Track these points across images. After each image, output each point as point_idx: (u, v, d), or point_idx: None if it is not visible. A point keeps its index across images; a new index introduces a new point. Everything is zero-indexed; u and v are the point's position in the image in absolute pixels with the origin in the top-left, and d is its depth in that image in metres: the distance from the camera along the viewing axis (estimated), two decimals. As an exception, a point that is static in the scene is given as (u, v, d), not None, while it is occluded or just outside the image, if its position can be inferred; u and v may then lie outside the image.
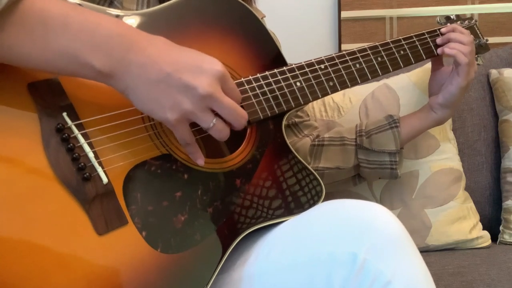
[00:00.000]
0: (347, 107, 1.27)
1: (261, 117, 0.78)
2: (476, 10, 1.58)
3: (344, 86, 0.88)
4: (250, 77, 0.79)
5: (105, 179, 0.65)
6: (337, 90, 0.87)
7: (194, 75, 0.64)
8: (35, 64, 0.63)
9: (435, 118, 1.05)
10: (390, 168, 1.04)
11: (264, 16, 1.01)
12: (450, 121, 1.27)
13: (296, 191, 0.80)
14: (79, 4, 0.70)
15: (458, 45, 0.99)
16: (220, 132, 0.67)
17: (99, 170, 0.65)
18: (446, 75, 1.03)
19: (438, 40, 1.01)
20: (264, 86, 0.79)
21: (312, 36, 1.61)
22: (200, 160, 0.71)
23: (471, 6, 1.58)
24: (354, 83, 0.89)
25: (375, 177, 1.09)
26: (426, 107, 1.05)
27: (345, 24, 1.59)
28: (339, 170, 1.06)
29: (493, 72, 1.36)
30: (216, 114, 0.67)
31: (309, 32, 1.61)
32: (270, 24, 1.05)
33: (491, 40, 1.54)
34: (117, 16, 0.74)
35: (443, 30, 1.02)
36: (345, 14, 1.58)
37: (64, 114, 0.66)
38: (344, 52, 0.89)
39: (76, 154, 0.65)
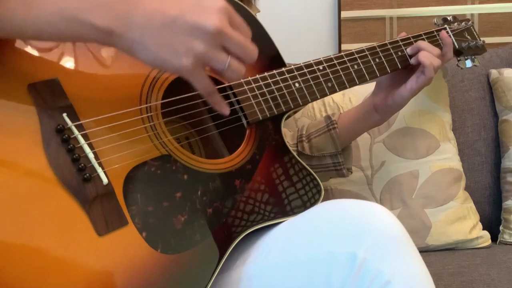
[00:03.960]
0: (347, 107, 1.27)
1: (260, 118, 0.78)
2: (476, 10, 1.58)
3: (342, 87, 0.88)
4: (249, 78, 0.79)
5: (105, 180, 0.66)
6: (335, 91, 0.87)
7: (199, 14, 0.61)
8: (33, 31, 0.61)
9: (376, 120, 1.02)
10: (334, 169, 1.04)
11: (259, 11, 1.00)
12: (450, 121, 1.27)
13: (295, 191, 0.80)
14: None
15: (431, 57, 0.96)
16: (236, 71, 0.64)
17: (99, 170, 0.66)
18: (403, 77, 0.99)
19: (408, 50, 0.98)
20: (263, 87, 0.79)
21: (312, 36, 1.61)
22: (225, 110, 0.69)
23: (471, 6, 1.58)
24: (352, 84, 0.89)
25: (324, 178, 1.08)
26: (369, 107, 1.02)
27: (345, 24, 1.59)
28: None
29: (493, 72, 1.36)
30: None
31: (309, 32, 1.61)
32: (271, 24, 1.05)
33: (491, 40, 1.55)
34: None
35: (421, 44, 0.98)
36: (345, 14, 1.58)
37: (64, 115, 0.66)
38: (342, 54, 0.90)
39: (76, 155, 0.65)
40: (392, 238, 0.66)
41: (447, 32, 1.06)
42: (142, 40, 0.61)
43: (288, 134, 1.09)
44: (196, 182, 0.72)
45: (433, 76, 0.96)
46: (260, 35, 0.85)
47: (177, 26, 0.61)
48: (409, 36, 1.00)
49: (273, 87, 0.80)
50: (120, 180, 0.67)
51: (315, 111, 1.27)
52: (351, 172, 1.07)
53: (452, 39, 1.06)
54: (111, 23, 0.60)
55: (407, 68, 0.99)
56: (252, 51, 0.65)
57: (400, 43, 0.98)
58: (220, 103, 0.68)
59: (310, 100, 0.84)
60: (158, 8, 0.61)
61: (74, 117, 0.66)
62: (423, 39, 1.01)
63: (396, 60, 0.96)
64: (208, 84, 0.65)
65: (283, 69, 0.82)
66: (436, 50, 0.98)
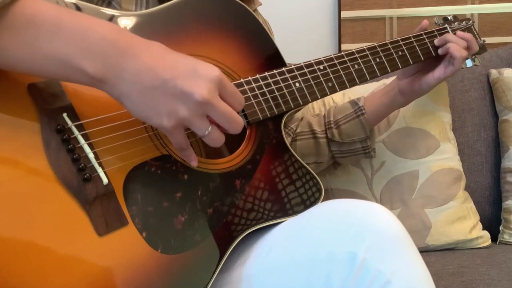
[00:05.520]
0: (347, 107, 1.27)
1: (261, 118, 0.78)
2: (476, 10, 1.58)
3: (342, 86, 0.88)
4: (250, 78, 0.79)
5: (105, 180, 0.66)
6: (336, 91, 0.87)
7: (190, 82, 0.63)
8: (26, 69, 0.62)
9: (400, 103, 1.08)
10: (363, 153, 1.09)
11: (260, 4, 1.01)
12: (450, 121, 1.27)
13: (296, 191, 0.80)
14: (75, 4, 0.70)
15: (460, 49, 1.01)
16: (215, 140, 0.67)
17: (100, 170, 0.66)
18: (430, 64, 1.05)
19: (436, 41, 1.03)
20: (264, 87, 0.79)
21: (312, 36, 1.61)
22: (194, 162, 0.71)
23: (471, 6, 1.58)
24: (352, 83, 0.89)
25: (351, 161, 1.17)
26: (395, 91, 1.07)
27: (345, 24, 1.59)
28: (318, 164, 1.11)
29: (493, 72, 1.36)
30: (212, 121, 0.66)
31: (309, 32, 1.61)
32: (271, 24, 1.06)
33: (491, 40, 1.55)
34: (112, 16, 0.73)
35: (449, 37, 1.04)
36: (345, 14, 1.58)
37: (64, 115, 0.66)
38: (342, 53, 0.90)
39: (77, 155, 0.65)
40: (392, 238, 0.66)
41: (452, 30, 1.08)
42: (129, 95, 0.62)
43: (314, 120, 1.12)
44: (197, 182, 0.72)
45: (461, 67, 1.02)
46: (260, 35, 0.85)
47: (166, 88, 0.62)
48: (410, 35, 1.01)
49: (273, 87, 0.80)
50: (120, 180, 0.67)
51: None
52: (376, 152, 1.12)
53: (474, 31, 1.12)
54: (103, 72, 0.61)
55: (409, 66, 1.00)
56: (237, 124, 0.67)
57: (401, 42, 0.98)
58: (189, 157, 0.70)
59: (310, 100, 0.84)
60: (152, 66, 0.62)
61: (74, 117, 0.66)
62: (423, 39, 1.01)
63: (397, 59, 0.97)
64: (183, 142, 0.67)
65: (283, 68, 0.82)
66: (463, 43, 1.03)
